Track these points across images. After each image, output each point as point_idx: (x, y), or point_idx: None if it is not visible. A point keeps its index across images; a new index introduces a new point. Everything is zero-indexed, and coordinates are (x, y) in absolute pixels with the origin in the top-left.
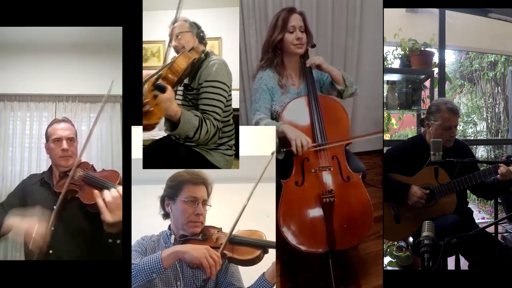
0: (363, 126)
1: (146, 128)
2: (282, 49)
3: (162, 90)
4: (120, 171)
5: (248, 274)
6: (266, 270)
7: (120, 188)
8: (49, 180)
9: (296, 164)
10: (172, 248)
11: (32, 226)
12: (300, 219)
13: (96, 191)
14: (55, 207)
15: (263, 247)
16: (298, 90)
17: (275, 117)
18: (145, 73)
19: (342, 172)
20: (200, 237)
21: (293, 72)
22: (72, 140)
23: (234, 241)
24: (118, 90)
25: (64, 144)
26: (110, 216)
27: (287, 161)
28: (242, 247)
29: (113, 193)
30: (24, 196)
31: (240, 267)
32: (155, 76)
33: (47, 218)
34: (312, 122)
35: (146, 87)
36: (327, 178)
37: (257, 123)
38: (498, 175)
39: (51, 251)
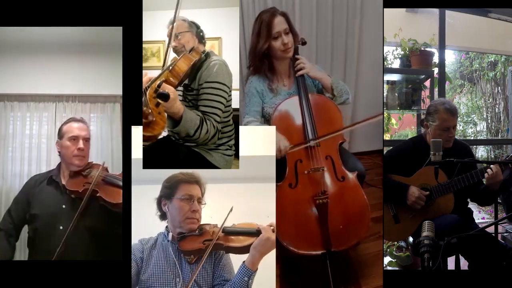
0: (363, 126)
1: (149, 139)
2: (270, 55)
3: (165, 98)
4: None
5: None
6: (246, 258)
7: None
8: (57, 178)
9: (289, 166)
10: None
11: None
12: (295, 222)
13: None
14: (64, 206)
15: (257, 234)
16: (290, 90)
17: (268, 119)
18: (145, 78)
19: (336, 172)
20: (197, 232)
21: (283, 73)
22: (87, 140)
23: (228, 231)
24: (118, 90)
25: (81, 144)
26: None
27: (281, 164)
28: (237, 236)
29: None
30: (28, 199)
31: (234, 260)
32: (157, 82)
33: None
34: (304, 122)
35: (147, 94)
36: (321, 179)
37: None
38: (485, 180)
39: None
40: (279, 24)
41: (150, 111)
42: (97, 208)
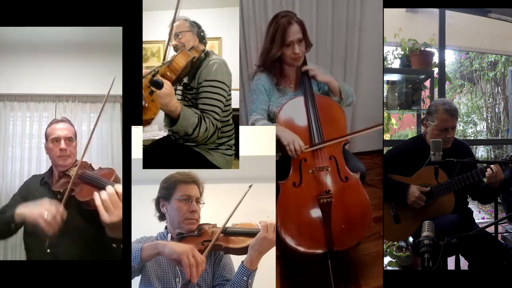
0: (363, 126)
1: (141, 124)
2: (280, 59)
3: (159, 86)
4: (120, 171)
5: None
6: (244, 258)
7: (117, 185)
8: (49, 180)
9: (293, 165)
10: (155, 241)
11: (43, 209)
12: (298, 221)
13: (95, 192)
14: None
15: (256, 234)
16: (296, 92)
17: (272, 117)
18: (145, 72)
19: (340, 172)
20: (196, 232)
21: (291, 76)
22: (70, 140)
23: (227, 232)
24: (118, 90)
25: (62, 144)
26: (107, 216)
27: (285, 162)
28: (236, 237)
29: (108, 191)
30: (27, 197)
31: (234, 259)
32: (152, 73)
33: (56, 203)
34: (309, 122)
35: (142, 83)
36: (325, 179)
37: (253, 124)
38: (485, 179)
39: (48, 250)
40: (294, 33)
41: (143, 96)
42: (73, 207)
